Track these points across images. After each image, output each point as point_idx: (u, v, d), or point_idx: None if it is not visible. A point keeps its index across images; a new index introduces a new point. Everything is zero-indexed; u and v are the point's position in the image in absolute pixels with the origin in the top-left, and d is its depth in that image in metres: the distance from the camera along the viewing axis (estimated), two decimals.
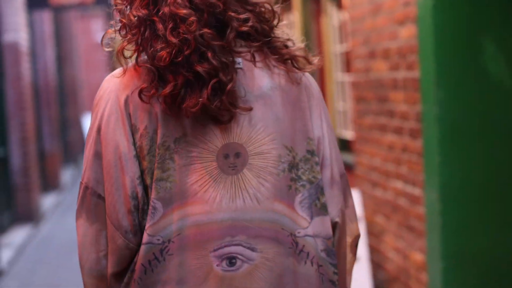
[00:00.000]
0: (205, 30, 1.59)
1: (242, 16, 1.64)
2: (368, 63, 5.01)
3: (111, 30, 1.69)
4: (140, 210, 1.65)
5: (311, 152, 1.72)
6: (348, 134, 6.35)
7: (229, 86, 1.60)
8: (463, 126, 3.88)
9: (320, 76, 7.45)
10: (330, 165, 1.75)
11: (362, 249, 5.16)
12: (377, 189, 5.03)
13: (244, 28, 1.64)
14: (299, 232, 1.69)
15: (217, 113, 1.61)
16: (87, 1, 9.78)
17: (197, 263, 1.63)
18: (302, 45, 1.76)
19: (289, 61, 1.72)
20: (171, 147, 1.64)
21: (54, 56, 12.87)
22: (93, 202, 1.67)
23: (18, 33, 9.31)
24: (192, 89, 1.60)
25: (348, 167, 6.16)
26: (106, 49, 1.70)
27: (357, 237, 1.81)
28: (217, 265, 1.63)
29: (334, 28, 6.54)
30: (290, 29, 8.33)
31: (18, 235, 8.66)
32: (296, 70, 1.73)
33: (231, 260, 1.64)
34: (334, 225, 1.74)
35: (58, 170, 12.61)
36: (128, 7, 1.66)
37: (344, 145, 6.56)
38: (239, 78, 1.65)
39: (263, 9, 1.70)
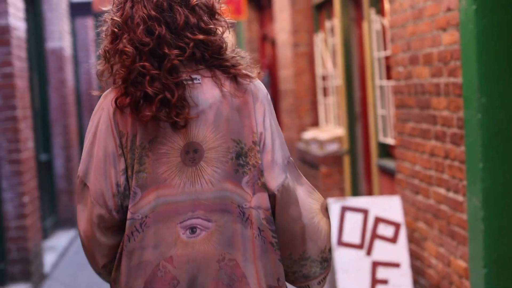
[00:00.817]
0: (145, 63, 2.14)
1: (175, 51, 2.15)
2: (410, 69, 5.00)
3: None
4: (121, 194, 2.20)
5: (255, 143, 2.23)
6: (389, 139, 6.33)
7: (173, 101, 2.13)
8: (506, 132, 3.85)
9: (361, 82, 7.45)
10: (271, 151, 2.24)
11: (403, 255, 5.15)
12: (419, 195, 5.01)
13: (180, 58, 2.15)
14: (245, 205, 2.21)
15: (170, 121, 2.16)
16: None
17: (167, 232, 2.18)
18: (246, 64, 2.30)
19: (235, 77, 2.25)
20: (146, 147, 2.19)
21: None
22: (80, 187, 2.24)
23: (62, 39, 9.45)
24: (146, 103, 2.15)
25: (389, 173, 6.15)
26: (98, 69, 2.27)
27: (324, 202, 2.31)
28: (182, 234, 2.18)
29: (375, 34, 6.53)
30: (331, 34, 8.33)
31: (61, 239, 8.77)
32: (242, 82, 2.25)
33: (192, 229, 2.19)
34: (274, 198, 2.24)
35: None
36: (104, 42, 2.25)
37: (385, 150, 6.54)
38: (195, 91, 2.19)
39: (212, 38, 2.21)
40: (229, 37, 2.30)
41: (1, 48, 6.41)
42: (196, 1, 2.21)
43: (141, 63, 2.14)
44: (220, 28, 2.26)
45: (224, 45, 2.26)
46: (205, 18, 2.22)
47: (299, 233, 2.26)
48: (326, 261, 2.32)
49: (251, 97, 2.26)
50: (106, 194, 2.20)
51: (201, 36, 2.17)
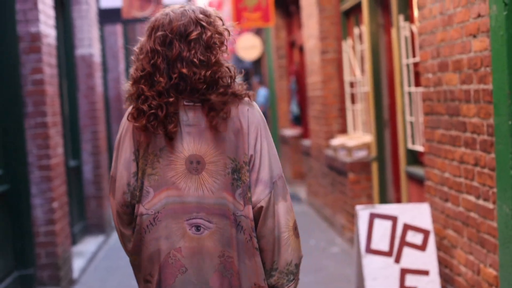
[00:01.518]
0: (143, 85, 2.63)
1: (163, 79, 2.60)
2: (439, 76, 4.98)
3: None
4: (131, 192, 2.67)
5: (246, 163, 2.64)
6: (418, 146, 6.30)
7: (161, 117, 2.59)
8: None
9: (389, 88, 7.42)
10: (257, 171, 2.64)
11: (432, 263, 5.12)
12: (448, 203, 4.98)
13: (166, 86, 2.60)
14: (238, 213, 2.63)
15: (156, 132, 2.61)
16: None
17: (176, 226, 2.62)
18: (241, 88, 2.68)
19: (235, 104, 2.66)
20: (157, 154, 2.64)
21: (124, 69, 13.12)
22: (112, 183, 2.72)
23: (91, 46, 9.52)
24: (143, 116, 2.61)
25: (418, 180, 6.11)
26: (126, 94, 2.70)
27: (294, 222, 2.70)
28: (189, 230, 2.62)
29: (404, 40, 6.51)
30: (359, 41, 8.31)
31: (90, 244, 8.83)
32: (243, 106, 2.66)
33: (197, 227, 2.62)
34: (260, 209, 2.64)
35: None
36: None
37: (414, 157, 6.51)
38: (191, 113, 2.62)
39: (196, 70, 2.59)
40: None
41: (32, 55, 6.48)
42: (193, 36, 2.60)
43: (141, 85, 2.61)
44: (220, 57, 2.65)
45: (222, 72, 2.64)
46: (200, 51, 2.60)
47: (272, 243, 2.66)
48: (292, 274, 2.69)
49: (246, 121, 2.66)
50: (119, 192, 2.67)
51: (185, 70, 2.58)
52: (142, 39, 2.69)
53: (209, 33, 2.61)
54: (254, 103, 2.72)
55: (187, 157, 2.62)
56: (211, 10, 2.68)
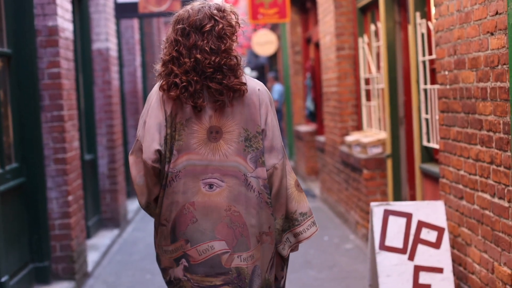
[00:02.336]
0: (173, 66, 3.17)
1: (187, 61, 3.16)
2: (455, 73, 4.96)
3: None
4: (160, 151, 3.15)
5: (259, 133, 3.18)
6: (433, 144, 6.29)
7: (191, 90, 3.13)
8: None
9: (405, 85, 7.40)
10: (270, 139, 3.19)
11: (446, 260, 5.11)
12: (463, 200, 4.97)
13: (188, 66, 3.16)
14: (248, 174, 3.15)
15: (188, 103, 3.14)
16: (175, 8, 9.96)
17: (193, 184, 3.14)
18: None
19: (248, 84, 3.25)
20: (183, 123, 3.16)
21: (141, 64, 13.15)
22: (137, 145, 3.20)
23: (108, 41, 9.55)
24: (188, 96, 3.14)
25: (433, 177, 6.10)
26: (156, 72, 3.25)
27: (296, 180, 3.29)
28: (203, 187, 3.14)
29: (420, 37, 6.49)
30: (375, 37, 8.29)
31: (104, 238, 8.86)
32: (255, 85, 3.25)
33: (210, 185, 3.14)
34: (275, 169, 3.19)
35: None
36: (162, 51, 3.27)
37: (429, 155, 6.50)
38: (217, 91, 3.14)
39: (211, 57, 3.12)
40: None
41: (50, 49, 6.51)
42: (206, 28, 3.13)
43: (170, 65, 3.17)
44: (230, 46, 3.15)
45: (230, 60, 3.15)
46: (212, 41, 3.13)
47: (284, 198, 3.24)
48: (297, 220, 3.28)
49: (258, 99, 3.20)
50: (152, 149, 3.13)
51: (199, 56, 3.11)
52: (168, 30, 3.22)
53: (220, 25, 3.13)
54: (262, 84, 3.29)
55: (208, 127, 3.15)
56: (226, 6, 3.21)
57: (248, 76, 3.27)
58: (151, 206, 3.26)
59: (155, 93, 3.21)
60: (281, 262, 3.37)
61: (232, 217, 3.12)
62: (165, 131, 3.15)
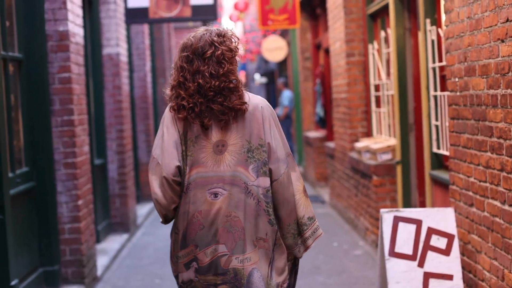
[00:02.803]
0: (180, 90, 3.45)
1: (190, 85, 3.43)
2: (466, 80, 4.96)
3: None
4: (179, 167, 3.41)
5: (261, 145, 3.44)
6: (443, 150, 6.28)
7: (197, 111, 3.41)
8: None
9: (415, 92, 7.40)
10: (275, 152, 3.45)
11: (456, 268, 5.10)
12: (473, 207, 4.96)
13: (192, 91, 3.44)
14: (249, 183, 3.41)
15: (194, 123, 3.42)
16: (185, 14, 9.98)
17: (201, 195, 3.41)
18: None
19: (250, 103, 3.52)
20: (193, 140, 3.43)
21: (151, 69, 13.18)
22: (154, 163, 3.45)
23: (118, 46, 9.58)
24: (195, 116, 3.42)
25: (442, 184, 6.09)
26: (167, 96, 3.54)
27: (303, 186, 3.54)
28: (209, 197, 3.41)
29: (430, 44, 6.49)
30: (385, 44, 8.28)
31: (114, 242, 8.88)
32: (257, 103, 3.51)
33: (215, 194, 3.41)
34: (279, 179, 3.43)
35: None
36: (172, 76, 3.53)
37: (439, 161, 6.49)
38: (221, 109, 3.41)
39: (212, 81, 3.41)
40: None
41: (60, 54, 6.54)
42: (207, 55, 3.39)
43: (178, 90, 3.45)
44: (229, 70, 3.41)
45: (234, 83, 3.42)
46: (213, 66, 3.39)
47: (293, 203, 3.47)
48: (305, 225, 3.52)
49: (261, 115, 3.47)
50: (173, 166, 3.40)
51: (201, 80, 3.39)
52: (175, 57, 3.52)
53: (219, 51, 3.40)
54: (265, 100, 3.56)
55: (214, 142, 3.42)
56: (227, 31, 3.48)
57: (252, 94, 3.53)
58: (169, 218, 3.55)
59: (167, 114, 3.51)
60: (291, 267, 3.61)
61: (232, 222, 3.40)
62: (181, 148, 3.43)
